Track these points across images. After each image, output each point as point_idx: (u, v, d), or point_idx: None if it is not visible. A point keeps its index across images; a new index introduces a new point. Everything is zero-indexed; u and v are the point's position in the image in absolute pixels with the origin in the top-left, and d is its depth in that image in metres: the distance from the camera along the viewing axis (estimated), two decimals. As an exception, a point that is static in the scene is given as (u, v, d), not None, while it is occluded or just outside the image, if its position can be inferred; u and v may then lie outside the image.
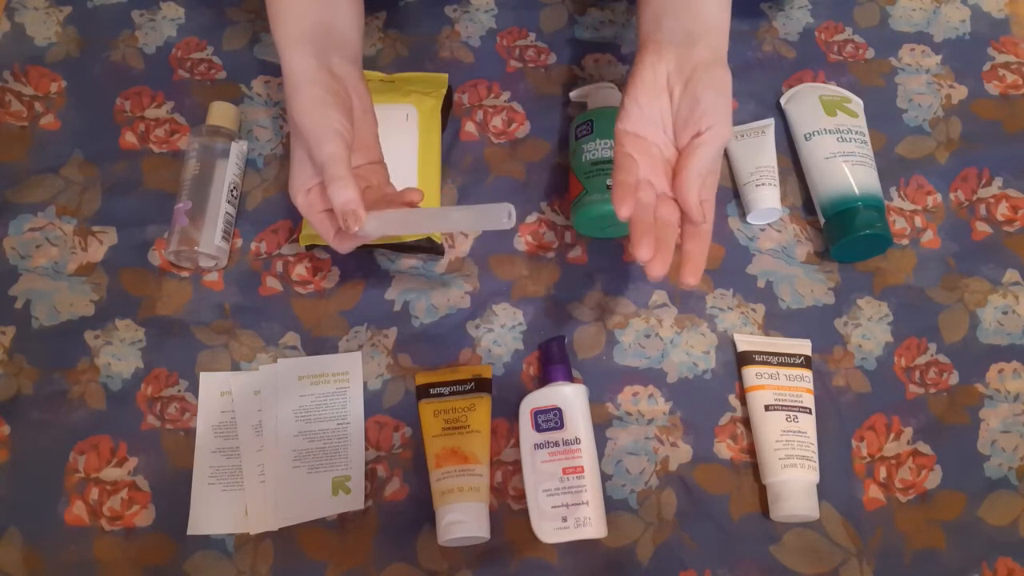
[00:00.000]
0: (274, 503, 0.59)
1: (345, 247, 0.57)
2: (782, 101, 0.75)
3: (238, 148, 0.68)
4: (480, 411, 0.61)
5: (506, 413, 0.62)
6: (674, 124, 0.55)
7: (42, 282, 0.66)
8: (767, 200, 0.68)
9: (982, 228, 0.71)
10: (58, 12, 0.76)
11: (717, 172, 0.55)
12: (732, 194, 0.71)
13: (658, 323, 0.66)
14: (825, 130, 0.70)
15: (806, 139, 0.71)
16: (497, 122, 0.74)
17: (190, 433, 0.61)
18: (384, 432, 0.62)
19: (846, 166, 0.68)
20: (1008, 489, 0.62)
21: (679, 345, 0.66)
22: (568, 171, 0.69)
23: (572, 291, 0.67)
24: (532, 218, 0.70)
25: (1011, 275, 0.69)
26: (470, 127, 0.73)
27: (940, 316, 0.67)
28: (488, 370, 0.64)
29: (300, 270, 0.67)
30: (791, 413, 0.62)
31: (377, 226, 0.54)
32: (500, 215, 0.50)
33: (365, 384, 0.64)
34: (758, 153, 0.71)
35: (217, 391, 0.63)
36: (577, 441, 0.58)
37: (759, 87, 0.76)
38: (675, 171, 0.54)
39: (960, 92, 0.77)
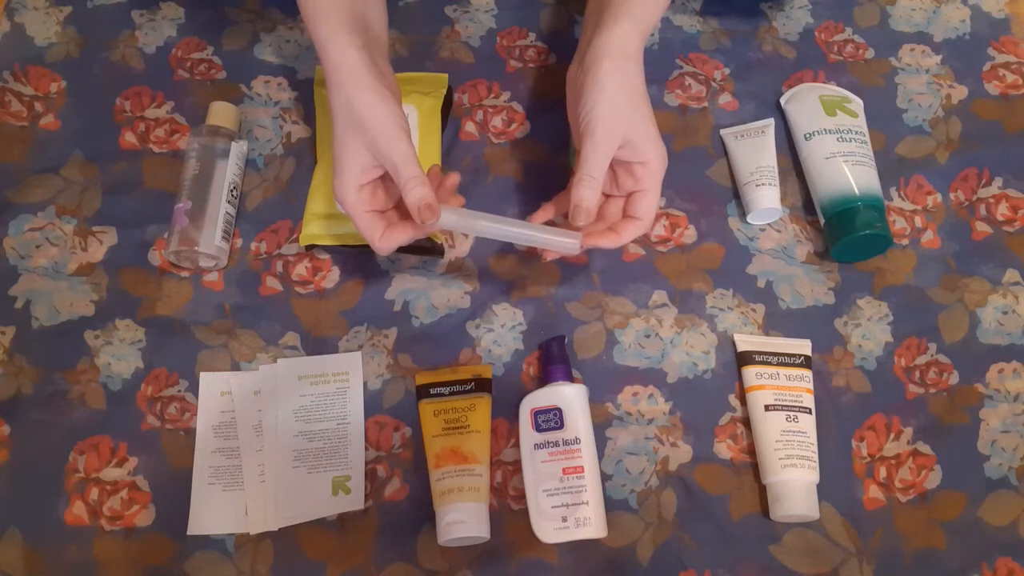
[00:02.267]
0: (274, 503, 0.59)
1: (388, 247, 0.56)
2: (782, 101, 0.75)
3: (238, 148, 0.68)
4: (480, 411, 0.61)
5: (506, 413, 0.62)
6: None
7: (42, 282, 0.66)
8: (767, 200, 0.68)
9: (982, 228, 0.71)
10: (58, 12, 0.76)
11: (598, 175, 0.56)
12: (732, 194, 0.71)
13: (658, 323, 0.66)
14: (825, 130, 0.70)
15: (806, 139, 0.71)
16: (497, 122, 0.74)
17: (190, 433, 0.61)
18: (384, 432, 0.62)
19: (846, 166, 0.68)
20: (1008, 489, 0.62)
21: (679, 345, 0.66)
22: (568, 171, 0.69)
23: (572, 291, 0.67)
24: (532, 218, 0.70)
25: (1011, 275, 0.69)
26: (470, 127, 0.73)
27: (940, 316, 0.67)
28: (488, 370, 0.63)
29: (300, 270, 0.67)
30: (791, 413, 0.62)
31: (449, 219, 0.55)
32: (571, 244, 0.56)
33: (365, 384, 0.64)
34: (758, 153, 0.71)
35: (217, 391, 0.63)
36: (577, 441, 0.59)
37: (759, 87, 0.76)
38: None
39: (960, 92, 0.77)
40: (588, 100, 0.56)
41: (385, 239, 0.55)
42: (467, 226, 0.56)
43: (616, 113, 0.55)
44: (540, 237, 0.57)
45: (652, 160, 0.57)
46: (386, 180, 0.57)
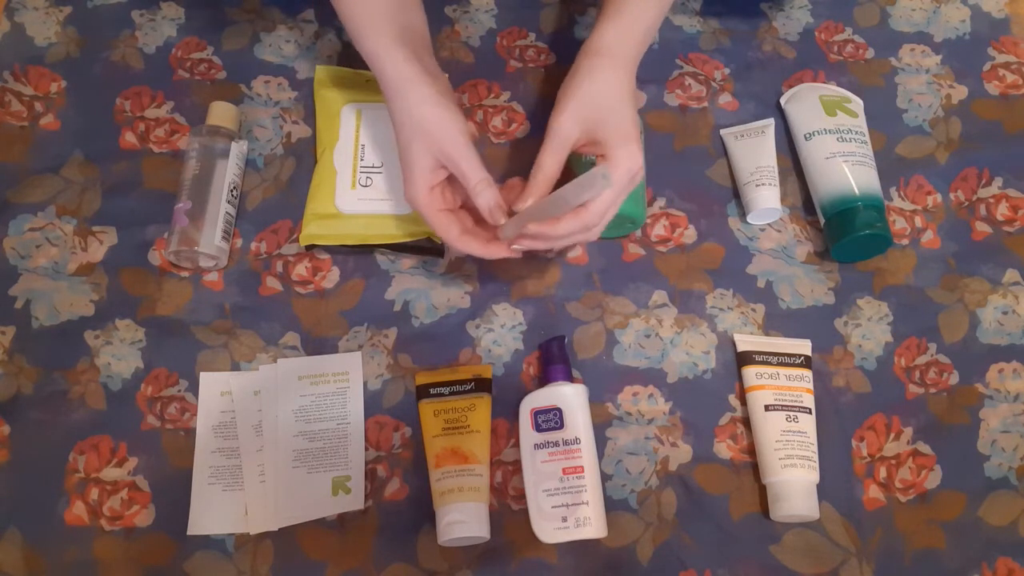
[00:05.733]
0: (274, 503, 0.59)
1: (464, 249, 0.58)
2: (782, 101, 0.75)
3: (238, 148, 0.68)
4: (480, 411, 0.61)
5: (506, 413, 0.62)
6: None
7: (42, 282, 0.66)
8: (767, 200, 0.68)
9: (982, 228, 0.71)
10: (58, 12, 0.76)
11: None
12: (732, 194, 0.71)
13: (658, 323, 0.66)
14: (825, 130, 0.70)
15: (806, 139, 0.71)
16: (497, 122, 0.74)
17: (190, 433, 0.61)
18: (384, 432, 0.62)
19: (846, 166, 0.68)
20: (1008, 489, 0.62)
21: (679, 345, 0.66)
22: (568, 171, 0.69)
23: (572, 291, 0.67)
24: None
25: (1011, 275, 0.69)
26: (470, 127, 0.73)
27: (940, 316, 0.67)
28: (488, 370, 0.64)
29: (300, 270, 0.67)
30: (791, 413, 0.62)
31: (514, 229, 0.55)
32: (596, 180, 0.51)
33: (365, 384, 0.64)
34: (758, 153, 0.71)
35: (217, 391, 0.63)
36: (577, 441, 0.59)
37: (759, 87, 0.76)
38: None
39: (960, 92, 0.77)
40: (559, 93, 0.57)
41: (463, 241, 0.57)
42: (521, 226, 0.56)
43: (576, 109, 0.56)
44: (572, 191, 0.54)
45: (613, 157, 0.55)
46: (452, 181, 0.59)
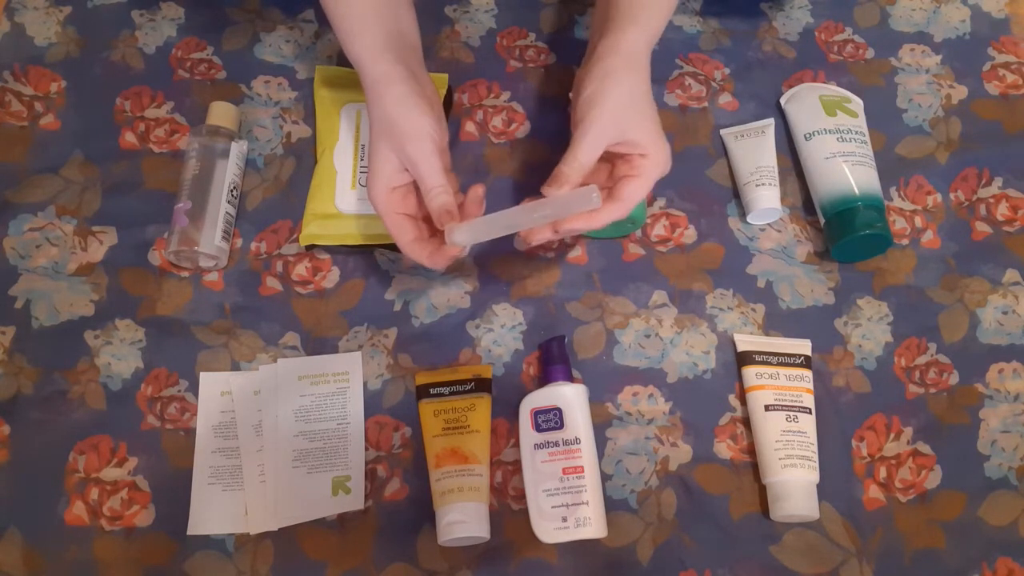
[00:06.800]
0: (274, 503, 0.59)
1: (415, 256, 0.57)
2: (782, 101, 0.75)
3: (238, 148, 0.68)
4: (480, 411, 0.61)
5: (506, 413, 0.62)
6: None
7: (42, 282, 0.66)
8: (767, 200, 0.68)
9: (982, 228, 0.71)
10: (58, 12, 0.76)
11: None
12: (732, 194, 0.71)
13: (658, 323, 0.66)
14: (825, 130, 0.70)
15: (806, 139, 0.71)
16: (497, 122, 0.74)
17: (190, 433, 0.61)
18: (384, 432, 0.62)
19: (846, 166, 0.68)
20: (1008, 489, 0.62)
21: (679, 345, 0.66)
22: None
23: (572, 291, 0.67)
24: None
25: (1011, 275, 0.69)
26: (470, 127, 0.73)
27: (940, 316, 0.67)
28: (488, 370, 0.64)
29: (300, 270, 0.67)
30: (791, 413, 0.62)
31: (469, 236, 0.55)
32: (588, 198, 0.51)
33: (365, 384, 0.64)
34: (758, 153, 0.71)
35: (217, 391, 0.63)
36: (577, 441, 0.59)
37: (759, 87, 0.76)
38: None
39: (960, 92, 0.77)
40: (586, 91, 0.56)
41: (412, 248, 0.57)
42: (487, 232, 0.56)
43: (613, 107, 0.55)
44: (558, 203, 0.54)
45: (653, 154, 0.56)
46: (419, 188, 0.58)
